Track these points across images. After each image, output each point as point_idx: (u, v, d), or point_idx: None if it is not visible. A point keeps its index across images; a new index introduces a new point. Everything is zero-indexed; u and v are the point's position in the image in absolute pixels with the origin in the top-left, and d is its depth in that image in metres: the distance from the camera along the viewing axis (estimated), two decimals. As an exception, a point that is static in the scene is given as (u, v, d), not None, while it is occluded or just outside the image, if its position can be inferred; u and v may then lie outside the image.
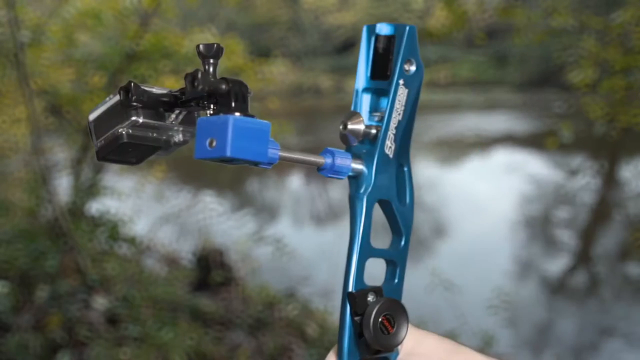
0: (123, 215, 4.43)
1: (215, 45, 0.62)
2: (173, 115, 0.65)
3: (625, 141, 5.42)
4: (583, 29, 4.42)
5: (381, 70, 0.69)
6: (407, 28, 0.67)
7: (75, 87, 4.52)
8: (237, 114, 0.60)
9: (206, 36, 4.24)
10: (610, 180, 6.88)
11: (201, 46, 0.61)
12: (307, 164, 0.66)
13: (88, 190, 4.33)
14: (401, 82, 0.68)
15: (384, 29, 0.69)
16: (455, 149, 9.23)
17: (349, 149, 0.69)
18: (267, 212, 6.70)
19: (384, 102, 0.69)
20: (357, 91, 0.70)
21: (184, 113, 0.66)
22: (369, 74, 0.70)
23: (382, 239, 0.71)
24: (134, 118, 0.63)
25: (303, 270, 4.51)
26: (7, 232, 3.96)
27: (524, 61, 10.59)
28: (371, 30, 0.70)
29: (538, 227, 6.34)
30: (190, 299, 3.86)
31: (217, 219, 4.98)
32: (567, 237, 6.20)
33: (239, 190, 7.23)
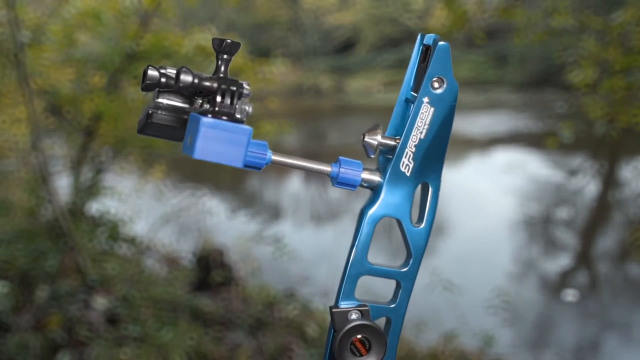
0: (123, 215, 4.43)
1: (227, 41, 0.60)
2: (199, 101, 0.64)
3: (625, 141, 5.42)
4: (583, 29, 4.42)
5: (418, 83, 0.65)
6: (439, 44, 0.63)
7: (76, 87, 4.51)
8: (210, 116, 0.58)
9: (206, 36, 4.23)
10: (610, 180, 6.88)
11: (215, 41, 0.60)
12: (312, 171, 0.64)
13: (88, 190, 4.33)
14: (425, 99, 0.64)
15: (429, 39, 0.65)
16: (455, 149, 9.23)
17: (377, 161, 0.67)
18: (267, 212, 6.69)
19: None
20: (399, 100, 0.67)
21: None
22: (411, 84, 0.67)
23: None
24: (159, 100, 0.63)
25: (303, 270, 4.50)
26: (7, 232, 3.95)
27: (524, 61, 10.57)
28: (422, 38, 0.66)
29: (538, 227, 6.33)
30: (190, 299, 3.86)
31: (217, 219, 4.98)
32: (567, 237, 6.20)
33: (239, 190, 7.23)
